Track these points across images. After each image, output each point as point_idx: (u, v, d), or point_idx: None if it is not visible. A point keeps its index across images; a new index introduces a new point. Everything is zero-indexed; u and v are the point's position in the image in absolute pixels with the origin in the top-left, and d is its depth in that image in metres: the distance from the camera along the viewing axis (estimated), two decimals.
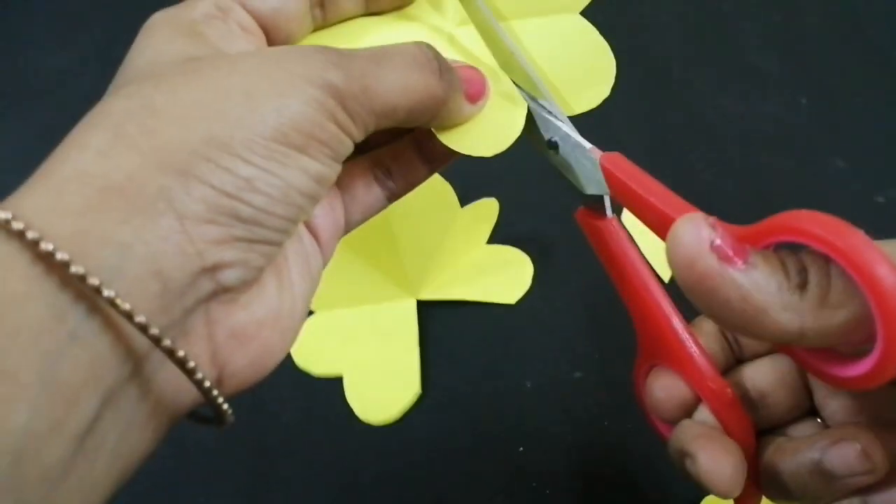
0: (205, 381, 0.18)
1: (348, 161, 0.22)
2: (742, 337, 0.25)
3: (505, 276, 0.45)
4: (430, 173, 0.26)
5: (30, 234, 0.15)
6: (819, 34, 0.57)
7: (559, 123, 0.25)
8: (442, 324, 0.44)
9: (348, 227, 0.25)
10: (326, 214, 0.23)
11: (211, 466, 0.39)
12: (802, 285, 0.18)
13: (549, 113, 0.25)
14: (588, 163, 0.24)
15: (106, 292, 0.16)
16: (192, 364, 0.18)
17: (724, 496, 0.22)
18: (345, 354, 0.43)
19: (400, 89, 0.20)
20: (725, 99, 0.53)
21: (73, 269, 0.16)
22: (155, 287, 0.17)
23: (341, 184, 0.24)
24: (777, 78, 0.54)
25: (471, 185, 0.45)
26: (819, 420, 0.24)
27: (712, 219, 0.19)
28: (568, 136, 0.25)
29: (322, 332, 0.44)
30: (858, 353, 0.18)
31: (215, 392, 0.19)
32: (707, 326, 0.25)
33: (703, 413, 0.24)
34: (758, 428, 0.23)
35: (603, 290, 0.44)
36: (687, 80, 0.54)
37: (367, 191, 0.25)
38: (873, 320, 0.17)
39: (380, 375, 0.42)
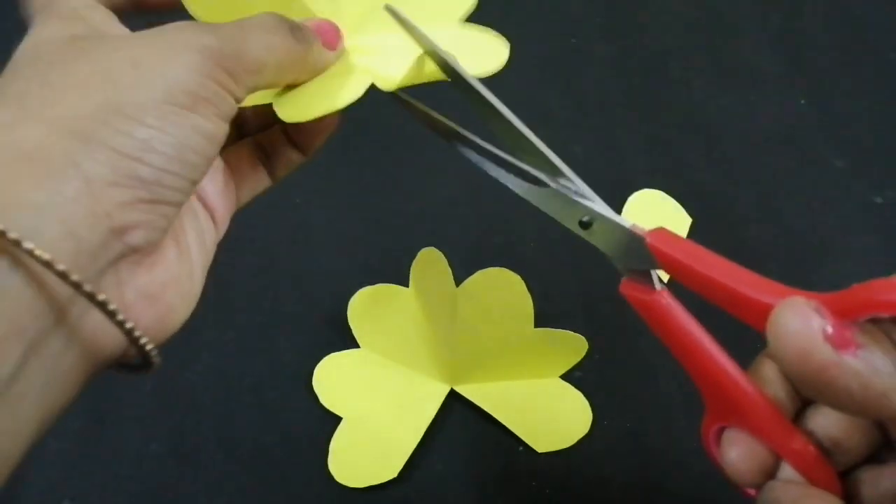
0: (126, 322, 0.20)
1: (234, 145, 0.27)
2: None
3: (558, 419, 0.41)
4: (302, 157, 0.29)
5: None
6: (819, 35, 0.57)
7: (589, 203, 0.25)
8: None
9: (239, 204, 0.27)
10: (220, 192, 0.26)
11: (210, 466, 0.39)
12: None
13: (576, 193, 0.25)
14: (628, 240, 0.24)
15: (25, 244, 0.17)
16: (113, 306, 0.19)
17: None
18: (357, 399, 0.41)
19: (264, 47, 0.22)
20: (725, 99, 0.53)
21: None
22: (70, 246, 0.18)
23: (230, 165, 0.27)
24: (776, 78, 0.54)
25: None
26: None
27: (815, 303, 0.18)
28: (603, 215, 0.24)
29: (350, 368, 0.42)
30: None
31: (137, 332, 0.20)
32: (769, 373, 0.24)
33: (787, 471, 0.23)
34: (839, 471, 0.23)
35: (603, 290, 0.44)
36: (686, 80, 0.54)
37: (253, 171, 0.28)
38: None
39: (370, 443, 0.39)
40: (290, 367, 0.42)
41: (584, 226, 0.25)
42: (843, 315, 0.18)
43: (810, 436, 0.22)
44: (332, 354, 0.42)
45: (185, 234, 0.23)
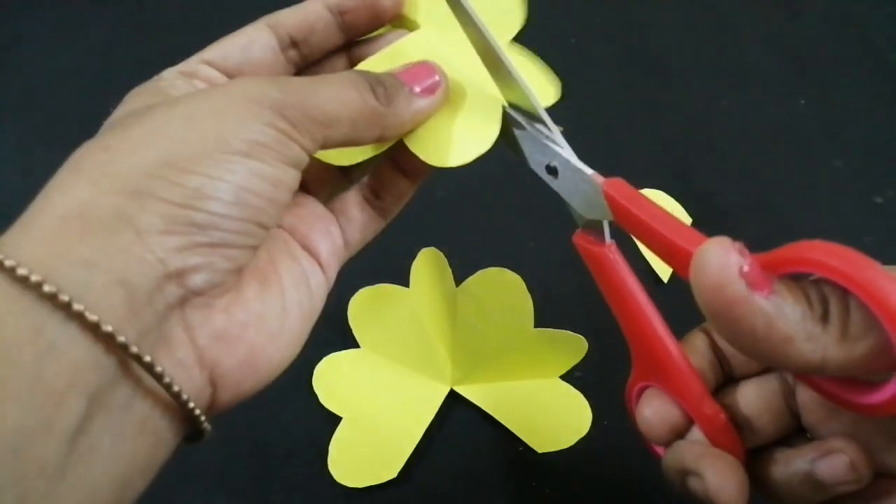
0: (173, 384, 0.20)
1: (341, 192, 0.27)
2: (743, 357, 0.25)
3: (558, 419, 0.40)
4: (413, 186, 0.28)
5: (7, 263, 0.18)
6: (818, 35, 0.57)
7: (557, 148, 0.25)
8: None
9: (350, 247, 0.27)
10: (323, 237, 0.26)
11: (211, 466, 0.39)
12: (825, 317, 0.18)
13: (547, 138, 0.25)
14: (588, 188, 0.24)
15: (75, 306, 0.18)
16: (159, 368, 0.19)
17: None
18: (357, 399, 0.41)
19: (335, 100, 0.22)
20: (725, 99, 0.53)
21: (46, 288, 0.18)
22: (121, 294, 0.19)
23: (335, 209, 0.27)
24: (776, 78, 0.55)
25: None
26: (809, 436, 0.24)
27: (739, 244, 0.19)
28: (568, 161, 0.25)
29: (350, 368, 0.42)
30: (878, 381, 0.19)
31: (185, 396, 0.20)
32: (699, 344, 0.25)
33: (696, 434, 0.24)
34: (746, 447, 0.24)
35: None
36: (686, 80, 0.54)
37: (361, 212, 0.27)
38: (893, 350, 0.17)
39: (369, 443, 0.39)
40: (290, 366, 0.42)
41: (551, 171, 0.25)
42: (768, 268, 0.19)
43: (728, 409, 0.24)
44: (332, 354, 0.42)
45: (278, 274, 0.23)
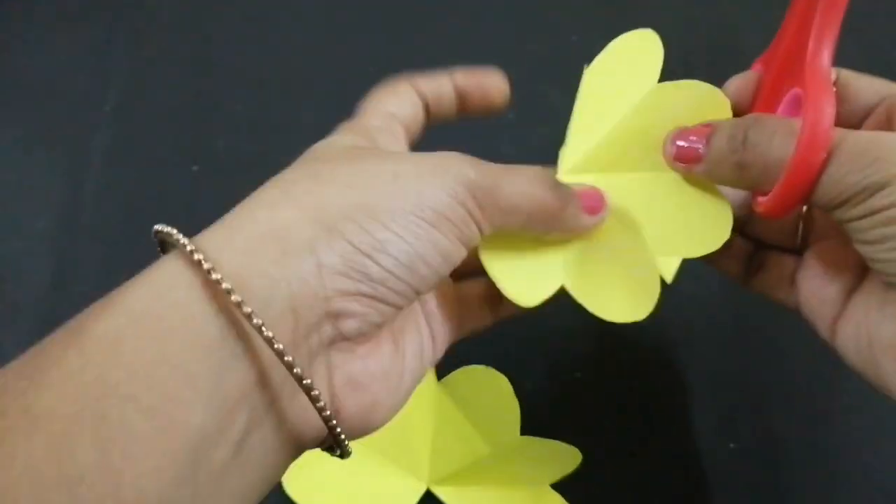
0: (325, 409, 0.21)
1: (470, 280, 0.28)
2: None
3: None
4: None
5: (206, 264, 0.19)
6: None
7: None
8: None
9: (457, 336, 0.28)
10: (446, 318, 0.27)
11: None
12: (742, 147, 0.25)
13: None
14: None
15: (255, 320, 0.19)
16: (316, 392, 0.21)
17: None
18: (324, 492, 0.37)
19: (521, 193, 0.24)
20: None
21: (234, 297, 0.19)
22: (290, 322, 0.20)
23: (461, 296, 0.28)
24: None
25: None
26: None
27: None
28: None
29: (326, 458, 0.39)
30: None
31: (334, 421, 0.22)
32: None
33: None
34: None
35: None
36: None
37: (479, 308, 0.28)
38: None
39: None
40: None
41: None
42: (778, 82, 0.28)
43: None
44: None
45: (405, 339, 0.25)
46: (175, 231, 0.20)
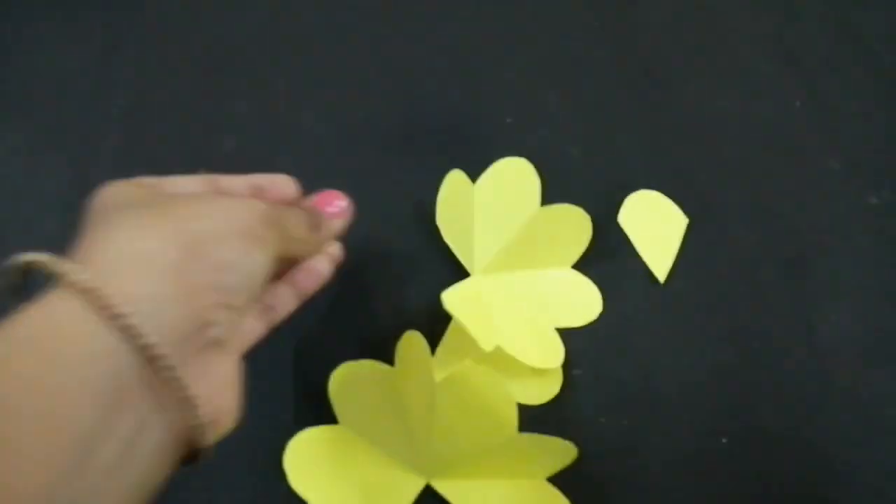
0: (196, 405, 0.24)
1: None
2: None
3: None
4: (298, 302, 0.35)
5: (87, 283, 0.22)
6: (814, 36, 0.57)
7: None
8: None
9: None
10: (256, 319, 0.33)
11: (210, 466, 0.39)
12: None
13: None
14: None
15: (141, 330, 0.22)
16: (192, 392, 0.24)
17: None
18: (327, 482, 0.38)
19: (295, 224, 0.32)
20: (721, 100, 0.54)
21: (117, 309, 0.22)
22: (168, 331, 0.24)
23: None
24: (772, 79, 0.55)
25: None
26: None
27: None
28: None
29: (324, 446, 0.39)
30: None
31: (204, 419, 0.25)
32: None
33: None
34: None
35: (603, 290, 0.44)
36: (683, 81, 0.55)
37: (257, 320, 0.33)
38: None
39: None
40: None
41: None
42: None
43: None
44: (308, 430, 0.39)
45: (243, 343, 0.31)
46: (48, 256, 0.23)
